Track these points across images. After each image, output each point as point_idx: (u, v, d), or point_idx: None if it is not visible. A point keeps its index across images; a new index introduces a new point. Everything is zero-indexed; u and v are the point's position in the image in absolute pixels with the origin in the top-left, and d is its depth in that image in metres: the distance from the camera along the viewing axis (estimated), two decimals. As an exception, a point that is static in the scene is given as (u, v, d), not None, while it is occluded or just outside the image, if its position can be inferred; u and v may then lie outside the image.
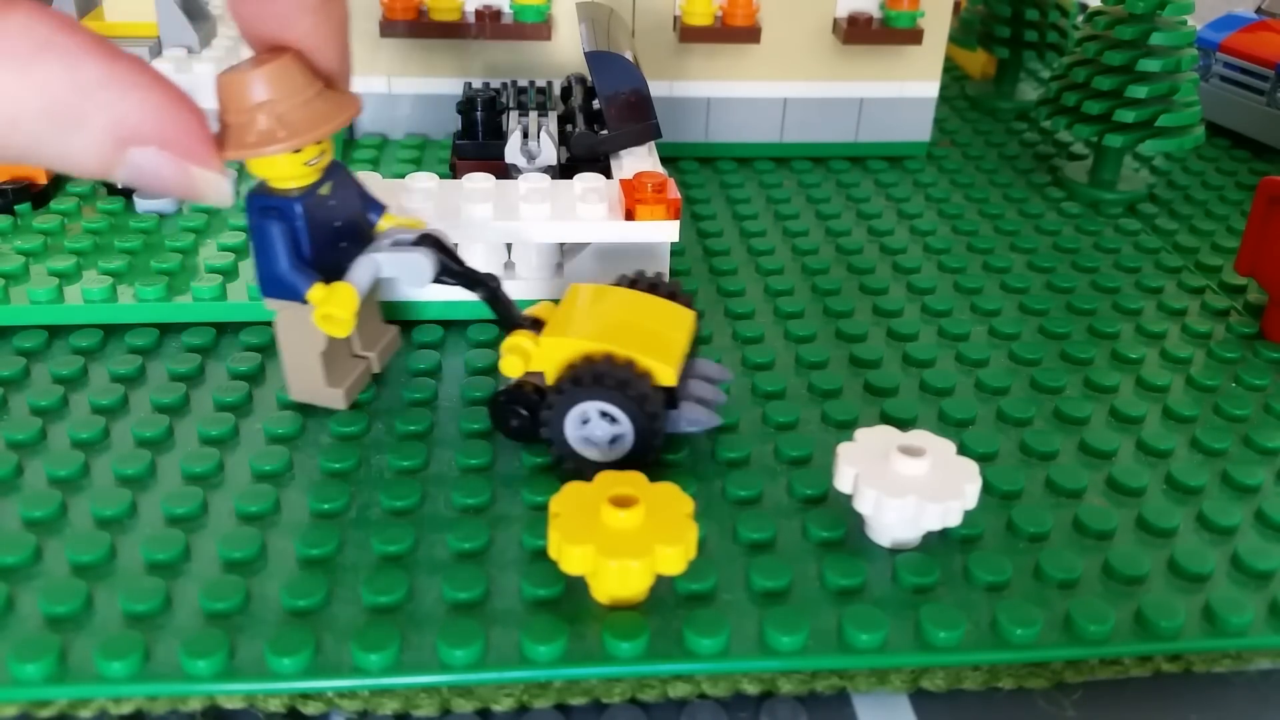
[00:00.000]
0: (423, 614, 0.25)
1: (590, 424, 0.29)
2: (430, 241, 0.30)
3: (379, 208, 0.31)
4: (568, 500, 0.25)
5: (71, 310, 0.36)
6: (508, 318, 0.30)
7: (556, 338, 0.29)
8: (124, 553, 0.27)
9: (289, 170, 0.28)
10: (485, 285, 0.30)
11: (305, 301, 0.29)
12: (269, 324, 0.36)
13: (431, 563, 0.27)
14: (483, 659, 0.24)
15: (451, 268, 0.30)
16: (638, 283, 0.32)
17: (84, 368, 0.34)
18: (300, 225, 0.29)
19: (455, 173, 0.40)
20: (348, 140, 0.50)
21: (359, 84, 0.49)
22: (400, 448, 0.30)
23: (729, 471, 0.30)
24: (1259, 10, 0.57)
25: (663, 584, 0.26)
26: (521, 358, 0.29)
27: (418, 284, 0.30)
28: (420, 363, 0.35)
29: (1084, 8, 0.62)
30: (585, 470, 0.28)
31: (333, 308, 0.29)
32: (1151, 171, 0.53)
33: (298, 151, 0.27)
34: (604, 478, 0.26)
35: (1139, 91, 0.46)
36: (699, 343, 0.32)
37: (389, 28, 0.47)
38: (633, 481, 0.26)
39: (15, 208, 0.42)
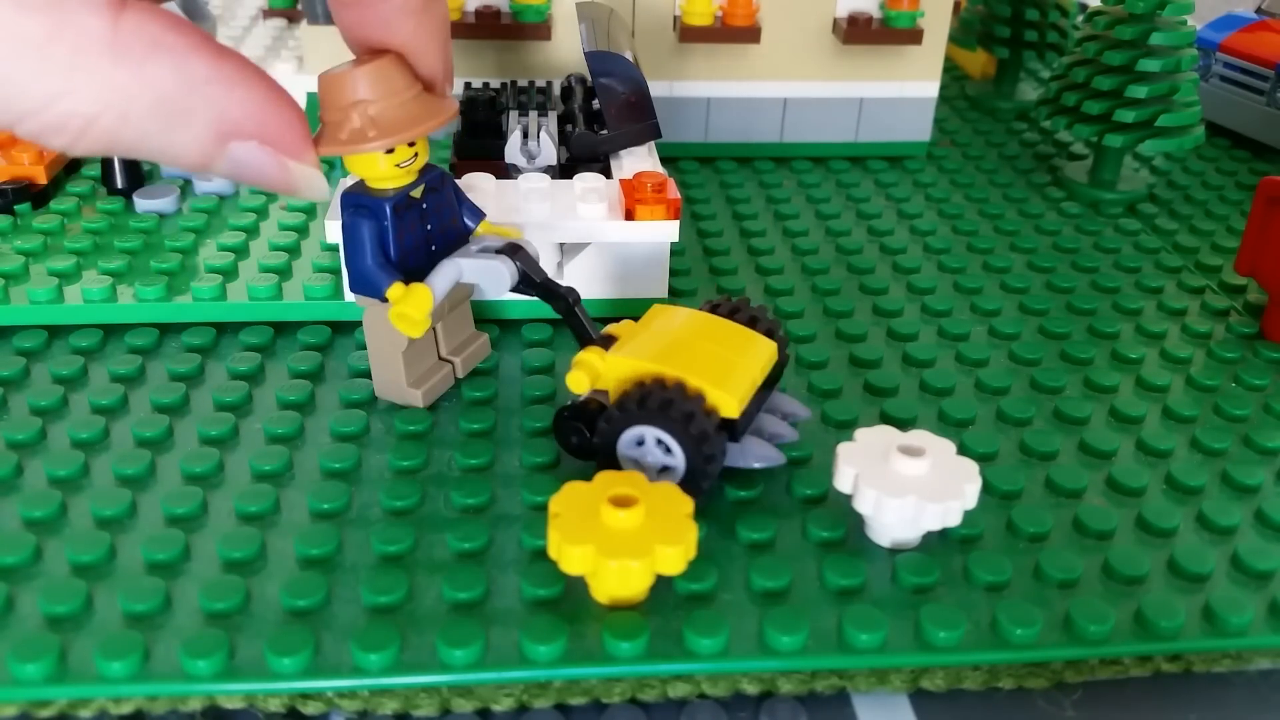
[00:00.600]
0: (423, 614, 0.25)
1: (643, 448, 0.28)
2: (514, 251, 0.30)
3: (477, 214, 0.32)
4: (568, 500, 0.25)
5: (71, 310, 0.36)
6: (583, 333, 0.30)
7: (623, 357, 0.28)
8: (124, 553, 0.27)
9: (381, 170, 0.28)
10: (563, 299, 0.30)
11: (385, 299, 0.29)
12: (269, 324, 0.36)
13: (431, 563, 0.27)
14: (482, 659, 0.24)
15: (531, 279, 0.30)
16: (719, 307, 0.31)
17: (84, 368, 0.34)
18: (388, 225, 0.29)
19: (455, 173, 0.40)
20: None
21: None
22: (400, 448, 0.30)
23: (729, 472, 0.30)
24: (1259, 10, 0.57)
25: (663, 584, 0.26)
26: (588, 374, 0.29)
27: (496, 292, 0.30)
28: (420, 363, 0.35)
29: (1084, 8, 0.62)
30: None
31: (408, 307, 0.29)
32: (1151, 171, 0.53)
33: (390, 152, 0.28)
34: (604, 477, 0.26)
35: (1139, 91, 0.46)
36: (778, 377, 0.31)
37: (389, 28, 0.47)
38: (633, 481, 0.26)
39: (15, 208, 0.42)
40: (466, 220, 0.32)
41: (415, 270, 0.30)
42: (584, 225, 0.35)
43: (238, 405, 0.32)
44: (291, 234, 0.40)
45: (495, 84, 0.46)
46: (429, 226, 0.31)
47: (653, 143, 0.40)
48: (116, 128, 0.22)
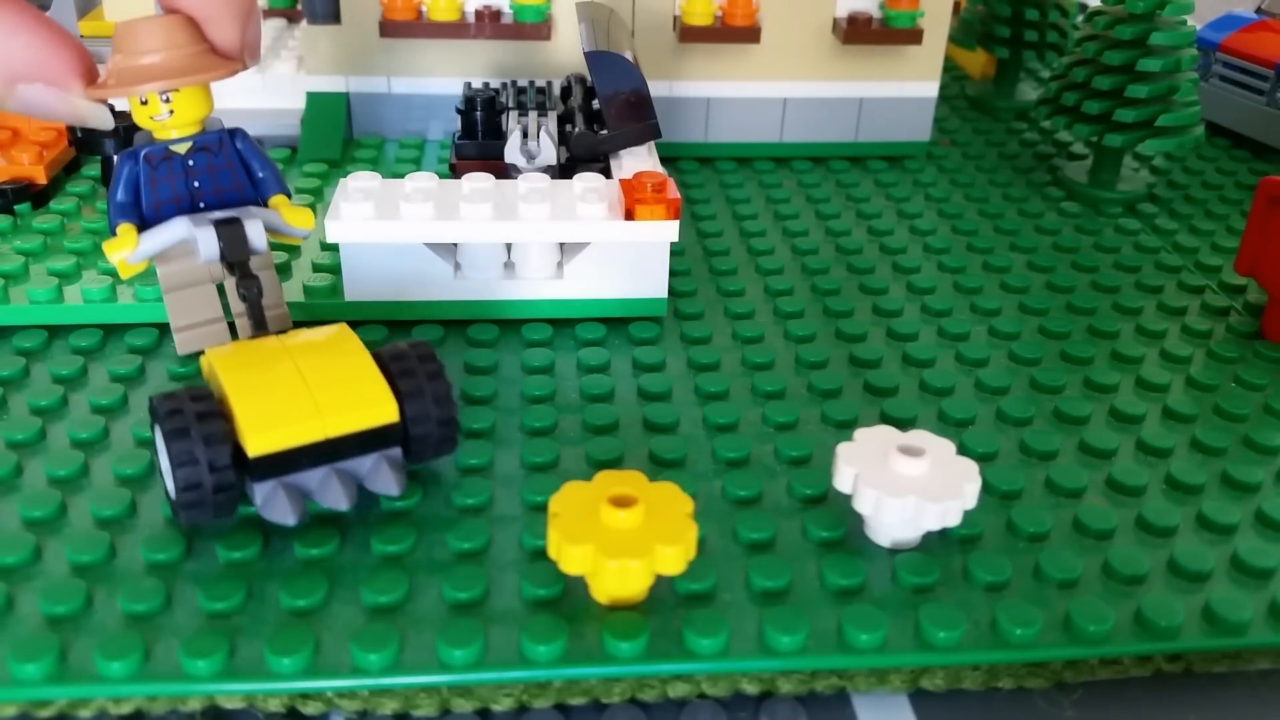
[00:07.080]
0: (422, 614, 0.25)
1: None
2: (228, 225, 0.30)
3: (276, 186, 0.32)
4: (567, 500, 0.25)
5: (71, 310, 0.36)
6: (260, 323, 0.29)
7: (211, 357, 0.27)
8: (124, 553, 0.27)
9: (141, 121, 0.30)
10: (245, 285, 0.29)
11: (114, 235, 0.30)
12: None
13: (431, 563, 0.27)
14: (482, 659, 0.24)
15: (226, 257, 0.30)
16: (382, 354, 0.28)
17: (84, 368, 0.34)
18: (138, 170, 0.30)
19: (455, 173, 0.40)
20: (347, 139, 0.50)
21: (360, 83, 0.49)
22: (400, 448, 0.30)
23: (729, 471, 0.30)
24: (1259, 10, 0.57)
25: (662, 584, 0.26)
26: (206, 366, 0.28)
27: (202, 258, 0.30)
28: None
29: (1084, 8, 0.62)
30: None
31: (109, 245, 0.30)
32: (1151, 171, 0.53)
33: (145, 104, 0.29)
34: (603, 477, 0.26)
35: (1139, 91, 0.46)
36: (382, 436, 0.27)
37: (389, 28, 0.47)
38: (632, 481, 0.26)
39: (15, 208, 0.42)
40: (263, 188, 0.32)
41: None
42: (584, 225, 0.35)
43: (238, 405, 0.32)
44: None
45: (495, 84, 0.46)
46: (196, 184, 0.31)
47: (652, 143, 0.40)
48: None
